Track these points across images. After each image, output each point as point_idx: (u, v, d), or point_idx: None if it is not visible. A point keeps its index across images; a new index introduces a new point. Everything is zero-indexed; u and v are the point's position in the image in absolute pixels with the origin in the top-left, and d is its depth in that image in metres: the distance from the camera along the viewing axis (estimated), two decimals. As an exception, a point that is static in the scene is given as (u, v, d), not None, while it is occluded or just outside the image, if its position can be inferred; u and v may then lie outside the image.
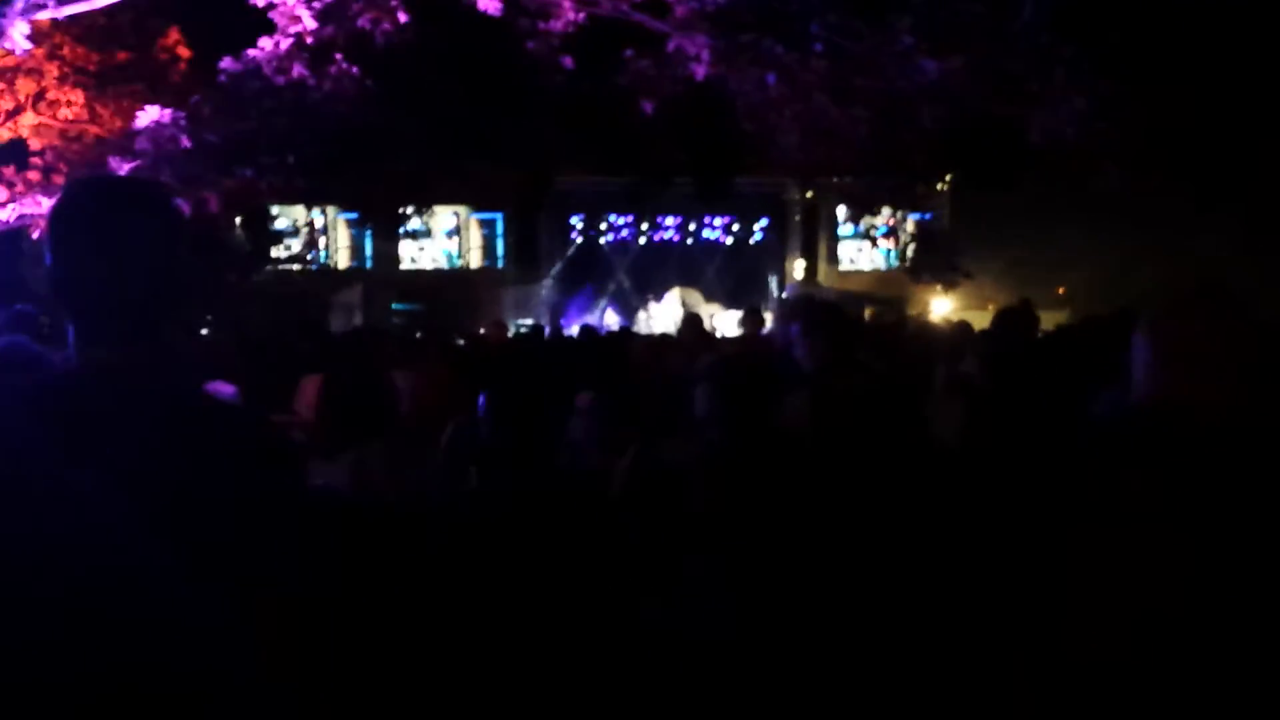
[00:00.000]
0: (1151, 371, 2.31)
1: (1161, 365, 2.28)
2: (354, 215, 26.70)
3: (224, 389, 4.77)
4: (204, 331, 11.42)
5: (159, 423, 1.51)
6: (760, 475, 3.54)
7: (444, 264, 30.44)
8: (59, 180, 9.99)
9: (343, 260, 27.98)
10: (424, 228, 29.19)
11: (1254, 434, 2.12)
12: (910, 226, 26.65)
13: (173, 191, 1.67)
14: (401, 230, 27.39)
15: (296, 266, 25.53)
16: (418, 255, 30.29)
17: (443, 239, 30.54)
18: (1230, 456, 2.07)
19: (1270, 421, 2.14)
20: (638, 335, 15.54)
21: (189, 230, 1.66)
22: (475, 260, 30.23)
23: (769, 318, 9.22)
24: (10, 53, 9.17)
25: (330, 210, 26.00)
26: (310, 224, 26.32)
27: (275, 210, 22.50)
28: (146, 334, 1.57)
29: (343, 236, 28.28)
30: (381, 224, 26.87)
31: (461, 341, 11.41)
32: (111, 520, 1.42)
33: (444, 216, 29.74)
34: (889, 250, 28.76)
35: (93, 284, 1.54)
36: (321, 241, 27.38)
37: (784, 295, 28.94)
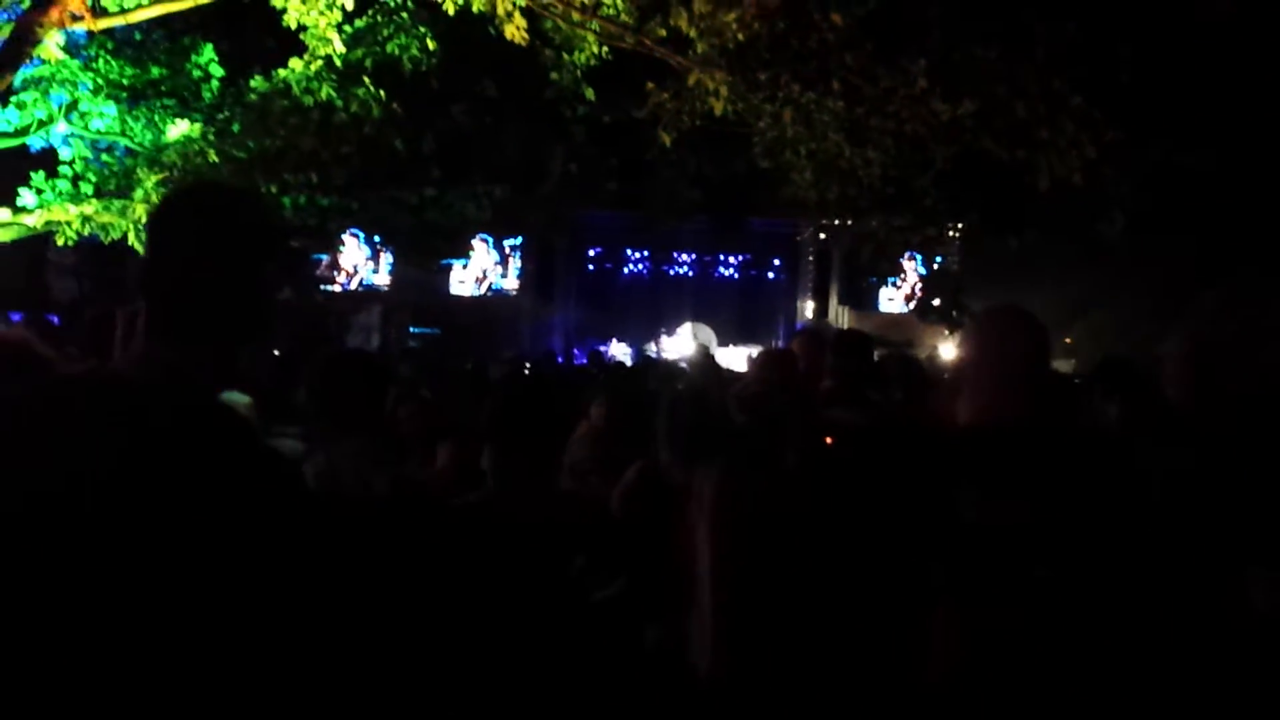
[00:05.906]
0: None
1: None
2: (375, 237, 26.90)
3: (238, 398, 4.91)
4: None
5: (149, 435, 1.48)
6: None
7: (462, 290, 30.62)
8: (87, 190, 10.15)
9: (362, 281, 28.16)
10: (443, 252, 29.38)
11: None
12: (920, 269, 26.85)
13: (268, 207, 1.75)
14: (420, 254, 27.51)
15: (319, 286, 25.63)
16: (437, 280, 30.47)
17: (460, 265, 30.72)
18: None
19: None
20: (658, 363, 15.62)
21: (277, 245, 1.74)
22: (493, 288, 30.39)
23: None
24: (46, 63, 9.43)
25: (352, 230, 26.17)
26: (332, 244, 26.45)
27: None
28: (217, 335, 1.61)
29: (362, 257, 28.45)
30: (402, 247, 27.08)
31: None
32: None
33: (463, 243, 29.92)
34: (898, 292, 28.93)
35: (185, 279, 1.58)
36: (341, 261, 27.52)
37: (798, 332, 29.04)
